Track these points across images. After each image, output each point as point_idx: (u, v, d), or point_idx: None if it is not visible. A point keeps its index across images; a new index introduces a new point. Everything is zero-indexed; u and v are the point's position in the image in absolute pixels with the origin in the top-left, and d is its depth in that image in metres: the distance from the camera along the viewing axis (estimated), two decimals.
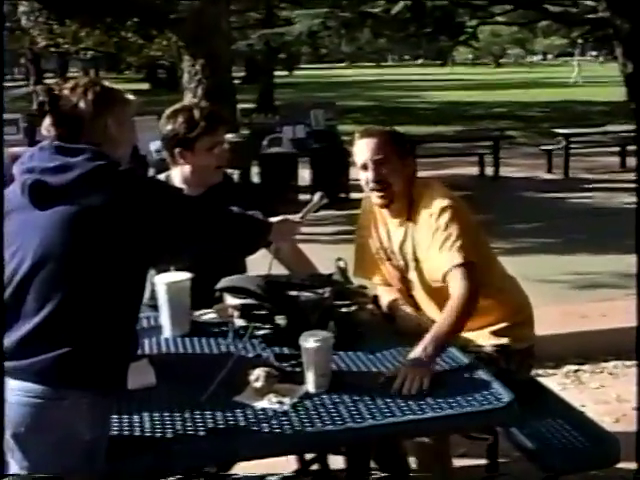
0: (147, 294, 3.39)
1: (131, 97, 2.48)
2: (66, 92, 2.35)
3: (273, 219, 2.71)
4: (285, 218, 2.78)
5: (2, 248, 2.21)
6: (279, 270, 3.36)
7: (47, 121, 2.36)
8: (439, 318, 2.92)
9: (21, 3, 12.12)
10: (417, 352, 2.72)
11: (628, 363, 5.06)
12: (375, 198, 3.20)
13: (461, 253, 2.99)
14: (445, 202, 3.08)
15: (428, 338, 2.76)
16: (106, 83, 2.46)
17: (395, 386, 2.55)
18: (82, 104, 2.34)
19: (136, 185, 2.31)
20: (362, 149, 3.16)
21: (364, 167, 3.16)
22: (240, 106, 13.15)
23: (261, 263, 2.99)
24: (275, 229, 2.66)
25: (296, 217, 2.84)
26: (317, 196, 2.99)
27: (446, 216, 3.05)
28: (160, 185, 2.49)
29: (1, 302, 2.22)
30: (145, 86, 42.71)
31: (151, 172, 8.27)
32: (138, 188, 2.31)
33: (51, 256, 2.22)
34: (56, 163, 2.26)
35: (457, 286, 2.96)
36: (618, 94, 23.39)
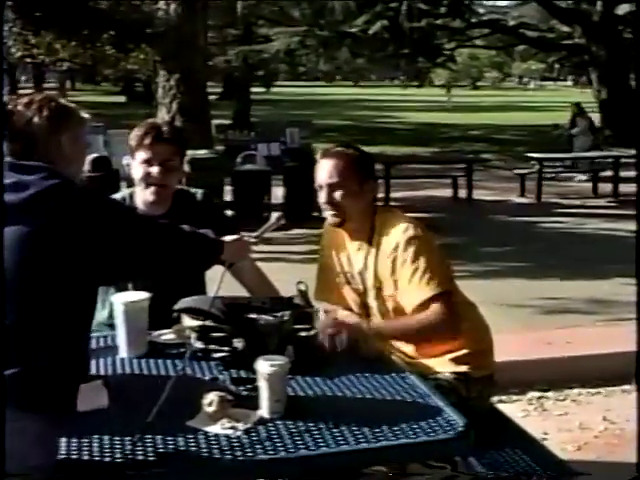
0: (106, 313, 3.35)
1: (86, 115, 2.45)
2: (20, 108, 2.31)
3: (226, 238, 2.69)
4: (238, 237, 2.76)
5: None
6: (239, 291, 3.33)
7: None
8: (409, 318, 3.00)
9: None
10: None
11: (592, 391, 5.05)
12: (329, 217, 3.21)
13: (435, 284, 3.01)
14: (411, 232, 3.07)
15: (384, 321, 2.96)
16: (62, 100, 2.42)
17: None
18: (36, 120, 2.30)
19: (88, 204, 2.26)
20: (320, 169, 3.17)
21: (320, 187, 3.16)
22: (216, 122, 13.15)
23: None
24: (227, 248, 2.64)
25: (251, 237, 2.81)
26: (274, 217, 2.97)
27: (414, 247, 3.04)
28: (113, 204, 2.47)
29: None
30: (122, 99, 42.63)
31: (123, 185, 8.27)
32: (90, 207, 2.26)
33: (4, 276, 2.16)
34: (10, 180, 2.21)
35: (434, 317, 3.00)
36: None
